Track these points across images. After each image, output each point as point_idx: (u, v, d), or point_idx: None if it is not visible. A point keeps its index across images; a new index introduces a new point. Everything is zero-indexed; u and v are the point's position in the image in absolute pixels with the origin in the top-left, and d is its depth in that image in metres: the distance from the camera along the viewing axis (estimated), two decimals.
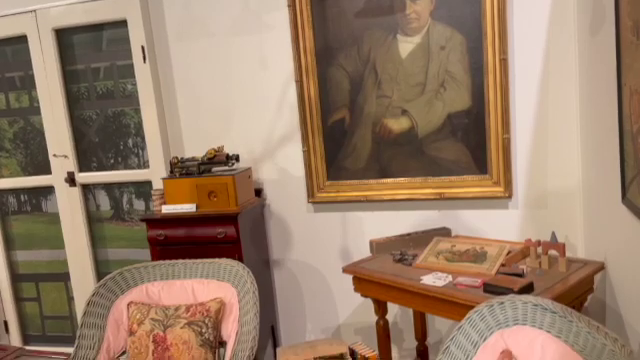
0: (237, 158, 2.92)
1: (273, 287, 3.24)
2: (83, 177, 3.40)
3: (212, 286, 2.35)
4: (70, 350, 3.61)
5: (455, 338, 1.72)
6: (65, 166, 3.39)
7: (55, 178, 3.43)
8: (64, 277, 3.60)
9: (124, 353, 2.27)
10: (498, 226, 2.72)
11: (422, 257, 2.39)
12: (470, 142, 2.72)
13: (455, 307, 2.01)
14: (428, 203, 2.85)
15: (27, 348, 3.66)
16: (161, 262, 2.44)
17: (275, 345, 3.20)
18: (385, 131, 2.85)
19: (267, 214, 3.19)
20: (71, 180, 3.39)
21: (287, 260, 3.20)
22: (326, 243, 3.10)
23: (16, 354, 2.40)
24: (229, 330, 2.23)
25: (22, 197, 3.64)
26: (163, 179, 2.91)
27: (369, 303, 2.57)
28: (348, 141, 2.93)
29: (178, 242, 2.85)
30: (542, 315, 1.56)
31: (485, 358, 1.62)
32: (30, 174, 3.56)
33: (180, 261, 2.44)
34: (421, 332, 2.77)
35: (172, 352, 2.14)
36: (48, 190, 3.53)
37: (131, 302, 2.32)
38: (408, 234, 2.67)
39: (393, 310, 2.97)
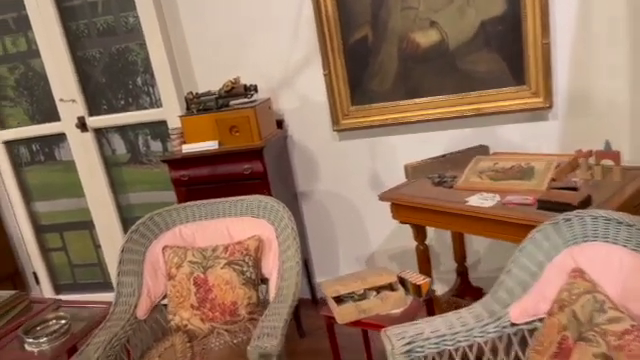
0: (256, 89, 2.75)
1: (302, 220, 3.16)
2: (94, 121, 3.25)
3: (247, 224, 2.25)
4: (104, 296, 3.64)
5: (517, 260, 1.63)
6: (74, 111, 3.22)
7: (65, 124, 3.28)
8: (88, 225, 3.54)
9: (165, 297, 2.21)
10: (539, 139, 2.57)
11: (463, 178, 2.27)
12: (506, 51, 2.52)
13: (507, 227, 1.91)
14: (462, 121, 2.69)
15: (63, 298, 3.67)
16: (191, 203, 2.34)
17: (310, 278, 3.17)
18: (412, 46, 2.65)
19: (290, 146, 3.05)
20: (82, 125, 3.23)
21: (315, 192, 3.10)
22: (354, 171, 2.98)
23: (54, 306, 2.36)
24: (270, 267, 2.16)
25: (34, 147, 3.50)
26: (181, 117, 2.75)
27: (401, 229, 2.49)
28: (372, 60, 2.73)
29: (203, 182, 2.74)
30: (616, 229, 1.45)
31: (553, 278, 1.53)
32: (39, 122, 3.40)
33: (211, 201, 2.33)
34: (460, 254, 2.71)
35: (215, 293, 2.08)
36: (60, 138, 3.39)
37: (166, 246, 2.25)
38: (443, 155, 2.54)
39: (429, 234, 2.89)
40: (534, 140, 2.57)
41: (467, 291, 2.71)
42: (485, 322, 1.60)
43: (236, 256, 2.13)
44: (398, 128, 2.81)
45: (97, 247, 3.60)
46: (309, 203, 3.13)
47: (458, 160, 2.47)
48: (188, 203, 2.36)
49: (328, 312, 1.96)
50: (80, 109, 3.21)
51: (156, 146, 3.27)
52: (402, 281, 1.97)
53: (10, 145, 3.51)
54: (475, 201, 2.06)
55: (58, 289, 3.79)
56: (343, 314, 1.86)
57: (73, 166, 3.40)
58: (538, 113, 2.56)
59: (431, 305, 1.97)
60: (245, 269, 2.11)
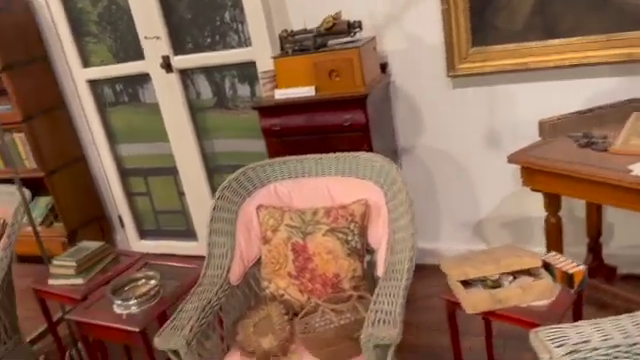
0: (360, 25, 2.38)
1: None
2: (179, 61, 3.02)
3: (352, 185, 1.96)
4: (188, 245, 3.55)
5: None
6: (159, 49, 3.00)
7: (149, 64, 3.07)
8: (172, 171, 3.40)
9: (258, 261, 2.00)
10: None
11: (621, 139, 1.83)
12: None
13: None
14: (609, 68, 2.21)
15: (148, 246, 3.63)
16: (288, 158, 2.07)
17: None
18: None
19: (393, 93, 2.68)
20: (167, 66, 3.01)
21: (417, 147, 2.74)
22: (466, 125, 2.59)
23: (141, 262, 2.22)
24: (378, 236, 1.87)
25: (117, 87, 3.35)
26: (273, 58, 2.45)
27: (517, 194, 2.14)
28: None
29: (296, 132, 2.46)
30: None
31: None
32: (122, 60, 3.22)
33: (311, 156, 2.05)
34: (595, 228, 2.30)
35: (316, 263, 1.83)
36: (144, 78, 3.20)
37: (260, 205, 2.01)
38: (590, 109, 2.09)
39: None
40: None
41: (599, 270, 2.32)
42: None
43: (340, 222, 1.85)
44: (525, 75, 2.36)
45: (181, 194, 3.47)
46: (409, 160, 2.78)
47: (609, 116, 2.03)
48: (285, 158, 2.09)
49: (451, 296, 1.66)
50: (165, 47, 2.98)
51: (243, 90, 3.01)
52: (546, 266, 1.62)
53: (94, 84, 3.38)
54: None
55: (142, 234, 3.74)
56: (474, 302, 1.55)
57: (157, 109, 3.22)
58: None
59: (580, 300, 1.61)
60: (350, 238, 1.84)
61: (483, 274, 1.58)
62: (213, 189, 3.31)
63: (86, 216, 3.62)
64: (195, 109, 3.16)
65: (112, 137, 3.51)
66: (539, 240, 2.50)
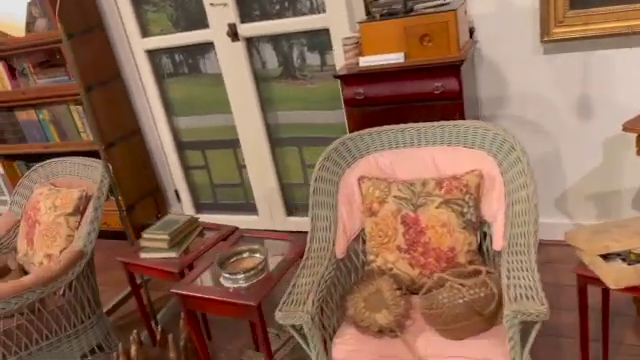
0: None
1: None
2: (246, 29, 2.91)
3: (460, 155, 1.87)
4: (247, 219, 3.49)
5: None
6: (225, 17, 2.90)
7: (214, 32, 2.97)
8: (233, 144, 3.33)
9: (359, 235, 1.93)
10: None
11: None
12: None
13: None
14: None
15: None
16: (386, 128, 1.98)
17: None
18: None
19: (477, 60, 2.56)
20: (233, 34, 2.91)
21: (500, 117, 2.63)
22: (555, 93, 2.47)
23: (237, 235, 2.16)
24: (493, 210, 1.79)
25: (177, 57, 3.26)
26: (360, 23, 2.33)
27: (606, 166, 2.14)
28: None
29: (381, 102, 2.36)
30: None
31: None
32: (182, 29, 3.12)
33: (412, 125, 1.96)
34: None
35: (429, 236, 1.76)
36: (205, 48, 3.10)
37: (362, 176, 1.93)
38: None
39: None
40: None
41: None
42: None
43: (454, 194, 1.77)
44: (627, 40, 2.24)
45: (241, 167, 3.40)
46: None
47: None
48: (383, 128, 1.99)
49: (584, 270, 1.59)
50: (231, 15, 2.88)
51: (313, 59, 2.90)
52: None
53: (152, 54, 3.29)
54: None
55: (199, 208, 3.69)
56: (618, 277, 1.47)
57: (219, 80, 3.13)
58: None
59: None
60: (465, 210, 1.76)
61: (628, 247, 1.50)
62: (276, 162, 3.24)
63: (142, 190, 3.57)
64: (260, 79, 3.06)
65: (170, 109, 3.44)
66: (627, 214, 2.43)
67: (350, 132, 2.47)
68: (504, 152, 1.80)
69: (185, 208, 3.70)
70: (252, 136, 3.19)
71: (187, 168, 3.59)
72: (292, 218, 3.33)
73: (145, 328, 2.46)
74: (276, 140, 3.19)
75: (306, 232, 1.87)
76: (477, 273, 1.63)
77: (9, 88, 3.42)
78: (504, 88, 2.56)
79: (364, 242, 1.93)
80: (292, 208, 3.36)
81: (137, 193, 3.53)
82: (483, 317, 1.55)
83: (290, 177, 3.28)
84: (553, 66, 2.42)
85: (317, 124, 3.04)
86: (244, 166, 3.36)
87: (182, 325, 2.07)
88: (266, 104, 3.11)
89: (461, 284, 1.55)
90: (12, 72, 3.40)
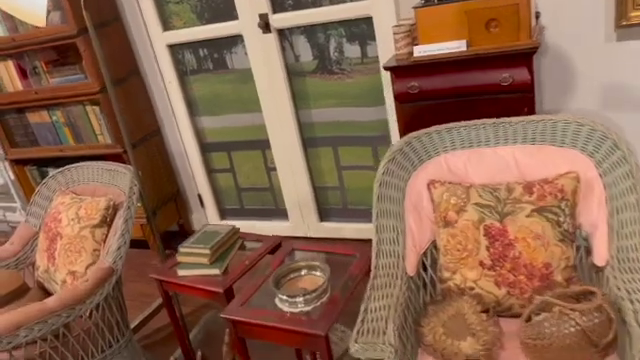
0: None
1: None
2: (279, 20, 2.67)
3: (548, 155, 1.63)
4: (276, 225, 3.25)
5: None
6: (256, 7, 2.65)
7: (244, 24, 2.73)
8: (261, 144, 3.09)
9: (426, 248, 1.69)
10: None
11: None
12: None
13: None
14: None
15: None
16: (459, 124, 1.74)
17: None
18: None
19: (542, 48, 2.31)
20: (265, 25, 2.67)
21: (565, 110, 2.38)
22: (629, 84, 2.22)
23: (287, 247, 1.92)
24: (592, 218, 1.54)
25: (201, 52, 3.02)
26: (415, 8, 2.08)
27: None
28: None
29: (438, 96, 2.11)
30: None
31: None
32: (208, 22, 2.88)
33: (488, 121, 1.71)
34: None
35: (519, 250, 1.51)
36: (233, 41, 2.86)
37: (433, 181, 1.69)
38: None
39: None
40: None
41: None
42: None
43: (547, 200, 1.52)
44: None
45: (270, 170, 3.16)
46: None
47: None
48: (452, 124, 1.75)
49: None
50: (263, 5, 2.63)
51: (352, 51, 2.66)
52: None
53: (174, 49, 3.05)
54: None
55: (223, 213, 3.45)
56: None
57: (247, 76, 2.89)
58: None
59: None
60: (562, 219, 1.51)
61: None
62: (308, 164, 3.00)
63: (163, 195, 3.34)
64: (292, 74, 2.82)
65: (193, 108, 3.20)
66: None
67: (401, 130, 2.24)
68: (604, 151, 1.55)
69: (209, 214, 3.46)
70: (283, 136, 2.95)
71: (211, 171, 3.35)
72: (326, 224, 3.09)
73: (180, 349, 2.22)
74: (309, 140, 2.95)
75: (343, 239, 1.63)
76: (584, 293, 1.39)
77: (20, 88, 3.18)
78: (570, 78, 2.31)
79: (432, 255, 1.69)
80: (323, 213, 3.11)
81: (157, 198, 3.29)
82: (598, 348, 1.31)
83: (324, 180, 3.04)
84: (628, 54, 2.18)
85: (355, 122, 2.79)
86: (273, 168, 3.12)
87: (225, 351, 1.83)
88: (299, 101, 2.87)
89: (572, 309, 1.31)
90: (23, 71, 3.16)
